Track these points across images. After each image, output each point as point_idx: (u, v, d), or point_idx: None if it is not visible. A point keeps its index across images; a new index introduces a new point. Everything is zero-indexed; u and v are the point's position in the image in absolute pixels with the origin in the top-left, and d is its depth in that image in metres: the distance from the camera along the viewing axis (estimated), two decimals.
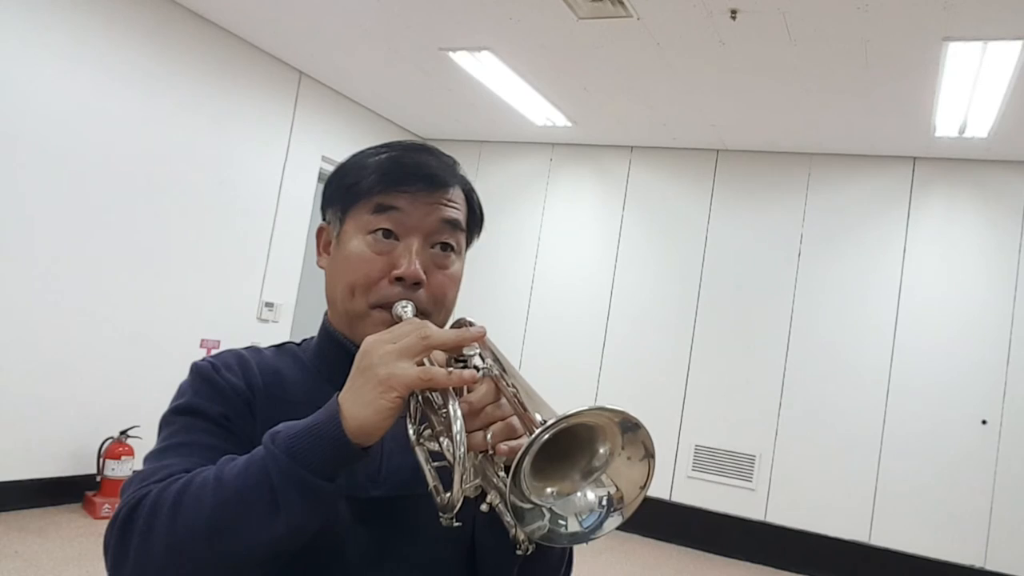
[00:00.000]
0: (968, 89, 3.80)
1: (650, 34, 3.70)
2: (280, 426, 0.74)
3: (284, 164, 5.00)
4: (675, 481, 5.20)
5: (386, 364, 0.71)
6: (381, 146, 0.97)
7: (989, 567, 4.45)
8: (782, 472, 4.96)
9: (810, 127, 4.72)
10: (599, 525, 0.69)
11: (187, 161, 4.35)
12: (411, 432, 0.78)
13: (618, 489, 0.69)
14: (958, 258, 4.77)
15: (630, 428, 0.67)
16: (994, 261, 4.69)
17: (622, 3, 3.40)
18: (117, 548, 0.74)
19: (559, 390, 5.28)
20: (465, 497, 0.72)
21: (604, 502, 0.69)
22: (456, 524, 0.72)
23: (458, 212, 0.94)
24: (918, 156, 4.92)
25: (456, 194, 0.94)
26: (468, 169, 1.00)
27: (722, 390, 5.18)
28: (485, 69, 4.49)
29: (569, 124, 5.32)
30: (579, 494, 0.69)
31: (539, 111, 5.13)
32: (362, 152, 0.96)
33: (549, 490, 0.68)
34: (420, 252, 0.90)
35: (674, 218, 5.49)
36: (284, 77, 4.96)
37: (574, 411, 0.63)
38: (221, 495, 0.72)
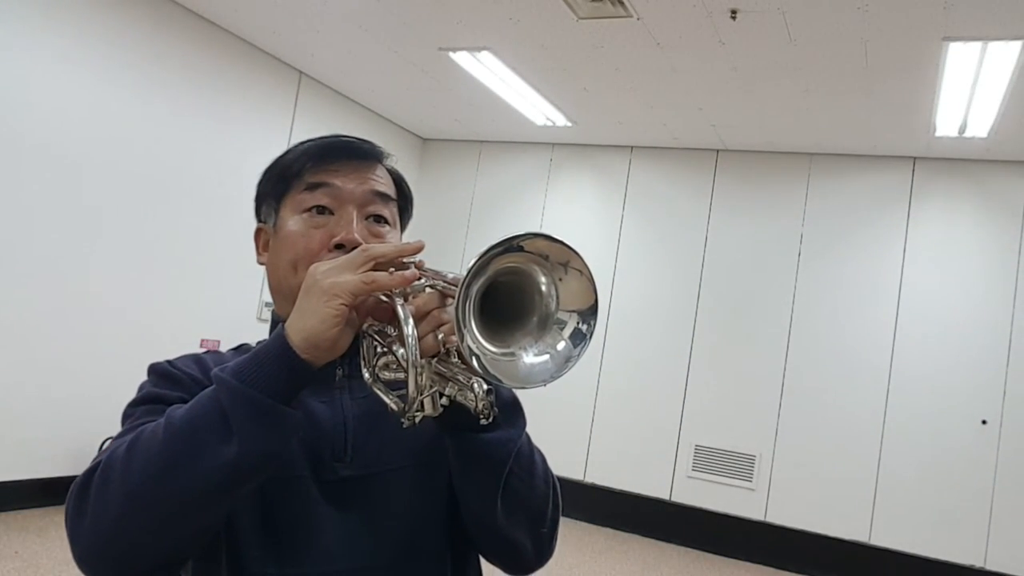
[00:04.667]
0: (968, 89, 3.79)
1: (650, 34, 3.70)
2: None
3: None
4: (675, 481, 5.20)
5: (328, 277, 0.74)
6: (302, 141, 1.00)
7: (989, 567, 4.44)
8: (782, 472, 4.96)
9: (810, 127, 4.72)
10: (584, 340, 0.69)
11: (187, 161, 4.35)
12: (365, 373, 0.80)
13: (577, 309, 0.70)
14: (958, 258, 4.77)
15: (537, 238, 0.66)
16: (994, 261, 4.68)
17: (622, 3, 3.40)
18: (74, 512, 0.73)
19: (558, 390, 5.27)
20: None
21: (574, 325, 0.70)
22: (418, 418, 0.73)
23: (387, 187, 0.97)
24: (918, 156, 4.92)
25: (383, 172, 0.98)
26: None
27: (722, 390, 5.18)
28: (485, 69, 4.49)
29: (569, 124, 5.32)
30: (548, 336, 0.70)
31: (539, 111, 5.13)
32: (285, 151, 1.01)
33: (516, 345, 0.69)
34: (357, 221, 0.93)
35: (674, 218, 5.49)
36: (284, 77, 4.96)
37: (484, 250, 0.64)
38: (171, 430, 0.72)
